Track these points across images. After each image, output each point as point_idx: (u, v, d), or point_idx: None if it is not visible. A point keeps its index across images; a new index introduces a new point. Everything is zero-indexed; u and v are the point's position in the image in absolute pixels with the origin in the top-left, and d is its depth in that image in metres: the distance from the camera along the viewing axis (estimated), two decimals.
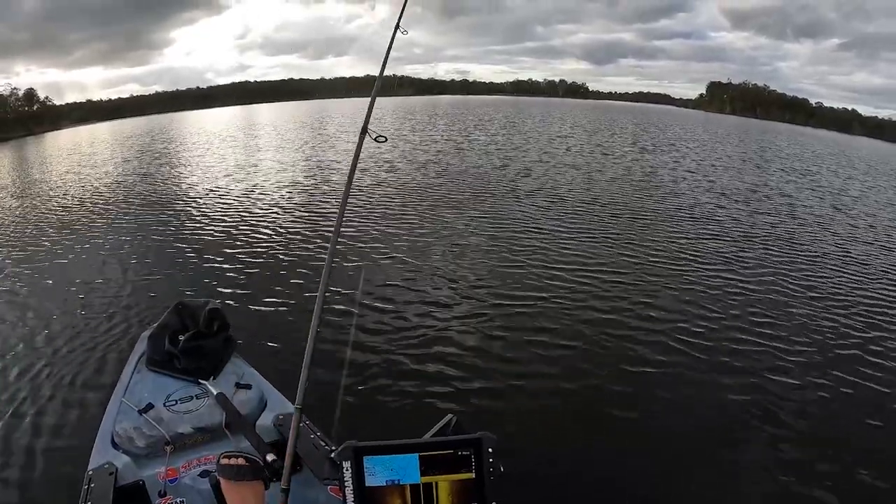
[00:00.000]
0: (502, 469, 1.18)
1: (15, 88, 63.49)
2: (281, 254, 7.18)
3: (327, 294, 5.50)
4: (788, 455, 3.40)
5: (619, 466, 3.27)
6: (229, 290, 5.92)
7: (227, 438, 2.27)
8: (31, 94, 64.70)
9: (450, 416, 1.72)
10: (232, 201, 10.56)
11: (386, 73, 2.81)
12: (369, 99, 2.50)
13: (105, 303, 5.67)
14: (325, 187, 11.81)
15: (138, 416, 2.24)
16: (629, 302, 5.67)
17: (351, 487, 1.17)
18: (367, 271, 6.46)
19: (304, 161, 15.98)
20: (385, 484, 1.18)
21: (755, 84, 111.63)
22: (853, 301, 6.00)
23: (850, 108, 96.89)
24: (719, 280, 6.47)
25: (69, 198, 11.76)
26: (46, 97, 67.34)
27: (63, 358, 4.47)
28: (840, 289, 6.41)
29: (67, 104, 74.59)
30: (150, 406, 2.27)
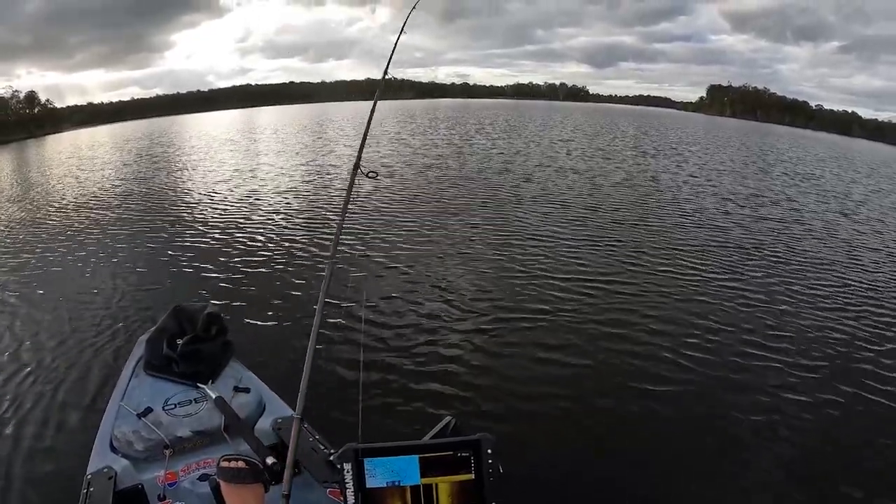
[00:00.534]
0: (501, 470, 1.19)
1: (16, 91, 63.60)
2: (279, 258, 7.18)
3: (326, 300, 5.51)
4: (792, 465, 3.35)
5: (618, 469, 3.27)
6: (228, 294, 5.91)
7: (226, 442, 2.28)
8: (32, 97, 64.78)
9: (449, 417, 1.73)
10: (231, 206, 10.56)
11: (386, 76, 2.85)
12: (370, 102, 2.56)
13: (103, 307, 5.66)
14: (324, 193, 11.81)
15: (137, 419, 2.24)
16: (630, 308, 5.65)
17: (352, 489, 1.18)
18: (368, 276, 6.46)
19: (303, 166, 15.95)
20: (385, 485, 1.19)
21: (755, 87, 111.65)
22: (862, 311, 5.86)
23: (850, 111, 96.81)
24: (723, 287, 6.37)
25: (68, 202, 11.78)
26: (47, 100, 67.40)
27: (61, 362, 4.47)
28: (849, 298, 6.26)
29: (68, 107, 74.62)
30: (148, 410, 2.27)
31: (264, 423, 2.36)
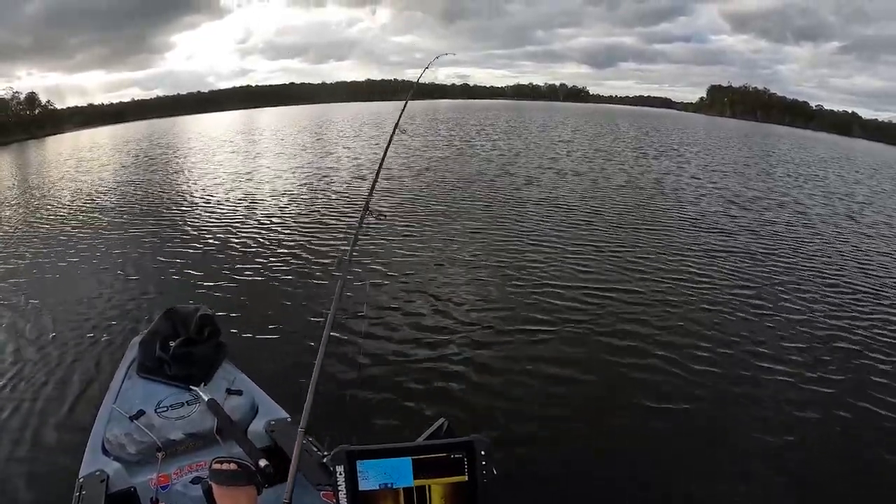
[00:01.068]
0: (495, 472, 1.18)
1: (17, 92, 63.65)
2: (274, 261, 7.19)
3: (325, 310, 5.51)
4: (799, 477, 3.30)
5: (612, 473, 3.27)
6: (221, 296, 5.93)
7: (219, 444, 2.27)
8: (32, 98, 64.83)
9: (442, 419, 1.71)
10: (227, 209, 10.56)
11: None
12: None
13: (96, 309, 5.66)
14: (322, 198, 11.77)
15: (129, 422, 2.23)
16: (631, 313, 5.61)
17: (344, 492, 1.17)
18: (365, 280, 6.43)
19: (299, 168, 15.89)
20: (378, 488, 1.18)
21: (755, 87, 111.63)
22: (875, 319, 5.71)
23: (850, 111, 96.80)
24: (728, 292, 6.26)
25: (65, 204, 11.79)
26: (48, 101, 67.45)
27: (54, 364, 4.47)
28: (861, 306, 6.10)
29: (69, 108, 74.64)
30: (141, 412, 2.27)
31: (257, 426, 2.35)
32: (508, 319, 5.39)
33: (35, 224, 9.93)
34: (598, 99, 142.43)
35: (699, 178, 15.11)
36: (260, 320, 5.29)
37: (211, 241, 8.25)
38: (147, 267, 7.09)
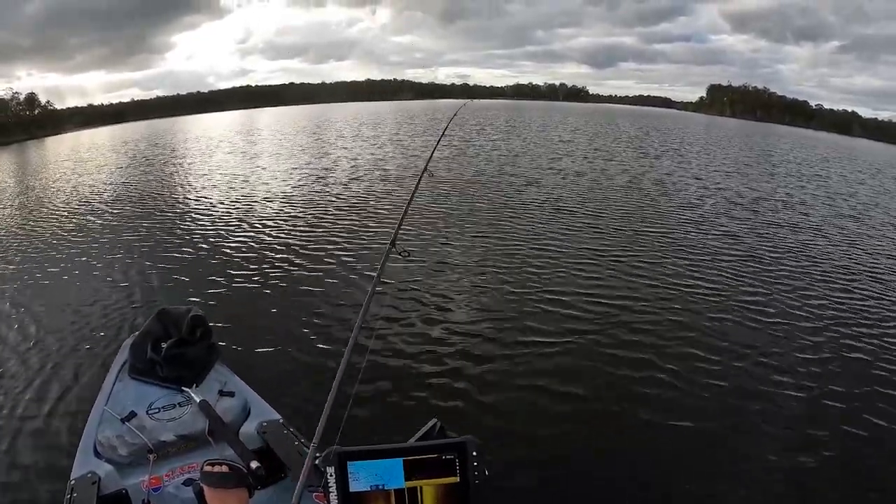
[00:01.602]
0: (487, 473, 1.17)
1: (16, 93, 63.72)
2: (267, 263, 7.17)
3: (320, 310, 5.52)
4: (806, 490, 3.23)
5: (609, 474, 3.27)
6: (214, 298, 5.91)
7: (211, 446, 2.26)
8: (32, 99, 64.86)
9: (434, 420, 1.71)
10: (221, 210, 10.53)
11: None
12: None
13: (88, 311, 5.64)
14: (312, 198, 11.76)
15: (121, 424, 2.22)
16: (630, 316, 5.55)
17: (335, 493, 1.16)
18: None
19: (296, 170, 15.74)
20: (369, 489, 1.17)
21: (755, 87, 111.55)
22: (886, 326, 5.55)
23: (850, 110, 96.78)
24: (734, 298, 6.09)
25: (58, 205, 11.78)
26: (48, 101, 67.49)
27: (45, 366, 4.45)
28: (875, 313, 5.89)
29: (68, 108, 74.76)
30: (132, 414, 2.26)
31: (249, 427, 2.35)
32: (505, 321, 5.37)
33: (29, 226, 9.92)
34: (598, 99, 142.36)
35: (701, 179, 14.87)
36: (252, 322, 5.28)
37: (204, 242, 8.23)
38: (139, 268, 7.06)
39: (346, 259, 7.25)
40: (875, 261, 8.06)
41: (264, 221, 9.49)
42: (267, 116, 54.89)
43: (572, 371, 4.43)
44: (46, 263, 7.43)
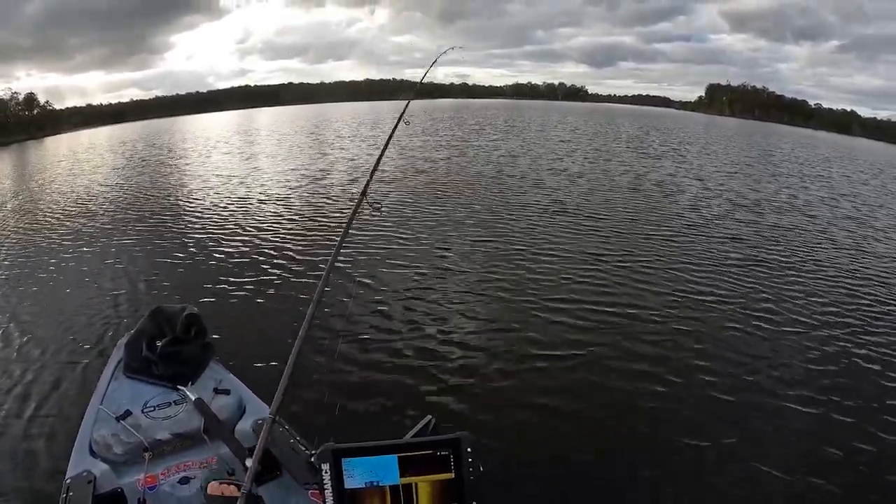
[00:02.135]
0: (482, 469, 1.18)
1: (15, 93, 63.61)
2: (263, 261, 7.18)
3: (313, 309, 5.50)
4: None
5: (602, 472, 3.27)
6: (210, 295, 5.92)
7: (206, 444, 2.26)
8: (31, 99, 64.75)
9: (429, 417, 1.71)
10: (216, 209, 10.55)
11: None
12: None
13: (82, 310, 5.64)
14: (317, 198, 11.78)
15: (116, 423, 2.22)
16: (629, 315, 5.52)
17: (330, 490, 1.17)
18: (354, 276, 6.43)
19: (292, 170, 15.76)
20: (364, 486, 1.18)
21: (754, 86, 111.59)
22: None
23: (849, 110, 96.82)
24: (738, 306, 5.84)
25: (54, 206, 11.77)
26: (47, 101, 67.37)
27: (40, 365, 4.45)
28: (882, 320, 5.72)
29: (68, 108, 74.69)
30: (127, 413, 2.26)
31: (244, 425, 2.34)
32: (500, 319, 5.38)
33: (25, 225, 9.93)
34: (597, 98, 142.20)
35: (703, 180, 14.62)
36: (247, 320, 5.30)
37: (198, 242, 8.23)
38: (132, 268, 7.07)
39: (340, 257, 7.21)
40: (883, 265, 7.85)
41: (258, 222, 9.49)
42: (265, 116, 54.90)
43: (571, 368, 4.44)
44: (41, 263, 7.43)
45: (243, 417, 2.39)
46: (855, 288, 6.69)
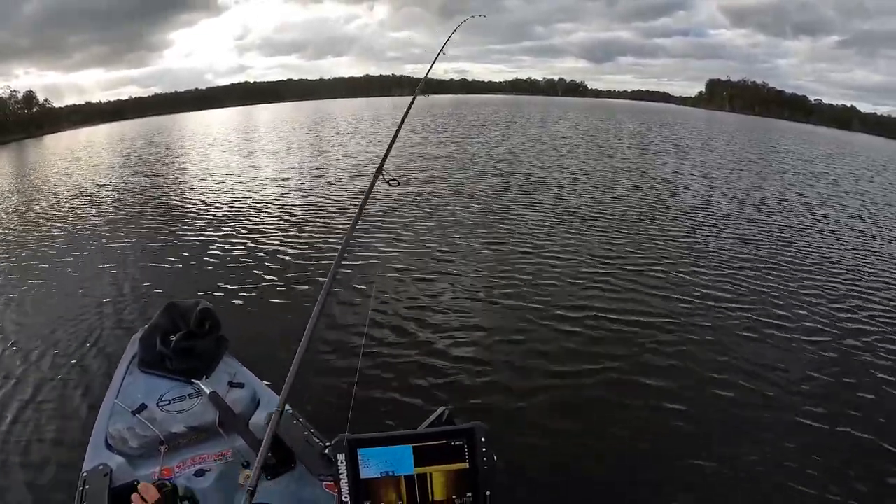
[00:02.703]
0: (496, 459, 1.18)
1: (14, 91, 63.54)
2: (274, 255, 7.18)
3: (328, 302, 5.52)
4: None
5: (613, 462, 3.29)
6: (223, 290, 5.93)
7: (221, 437, 2.28)
8: (30, 97, 64.72)
9: (443, 407, 1.72)
10: (225, 204, 10.54)
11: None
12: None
13: (97, 306, 5.65)
14: (323, 193, 11.75)
15: (132, 416, 2.24)
16: (640, 311, 5.46)
17: (346, 480, 1.17)
18: (372, 269, 6.44)
19: (297, 166, 15.71)
20: (380, 476, 1.18)
21: (754, 81, 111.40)
22: None
23: (849, 105, 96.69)
24: (747, 309, 5.60)
25: (63, 201, 11.78)
26: (45, 100, 67.37)
27: (56, 361, 4.47)
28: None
29: (66, 107, 74.62)
30: (143, 407, 2.27)
31: (259, 418, 2.36)
32: (514, 311, 5.39)
33: (33, 222, 9.92)
34: (597, 93, 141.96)
35: (709, 178, 14.33)
36: (259, 314, 5.31)
37: (211, 236, 8.24)
38: (146, 263, 7.08)
39: (353, 248, 7.29)
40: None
41: (268, 216, 9.49)
42: (266, 113, 54.72)
43: (588, 362, 4.42)
44: (54, 260, 7.44)
45: (258, 410, 2.40)
46: (870, 293, 6.34)
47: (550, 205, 10.27)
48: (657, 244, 7.87)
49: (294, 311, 5.32)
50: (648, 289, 6.07)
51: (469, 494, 1.20)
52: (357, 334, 4.67)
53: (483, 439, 1.20)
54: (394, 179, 2.24)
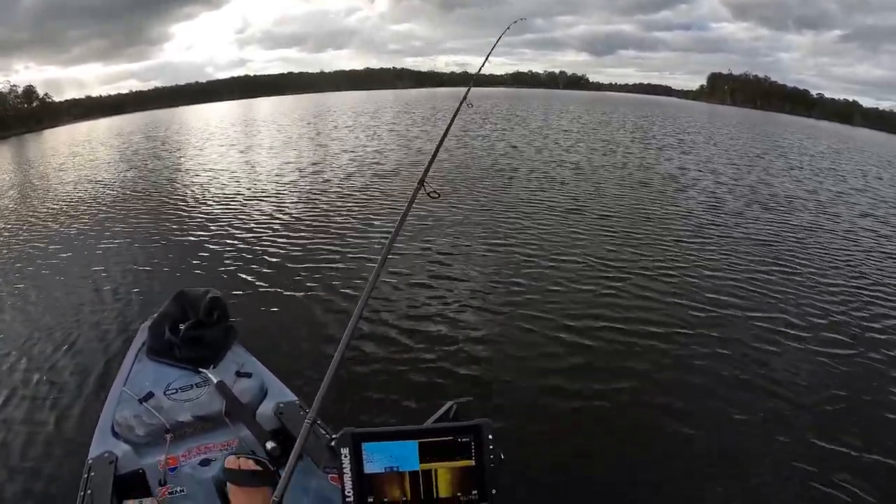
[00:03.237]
0: (503, 456, 1.17)
1: (14, 86, 63.49)
2: (286, 246, 7.17)
3: (334, 293, 5.54)
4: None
5: (619, 461, 3.28)
6: (232, 280, 5.95)
7: (228, 427, 2.27)
8: (29, 92, 64.66)
9: (450, 403, 1.70)
10: (235, 196, 10.51)
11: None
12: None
13: (106, 293, 5.69)
14: (328, 184, 11.73)
15: (138, 404, 2.24)
16: (652, 309, 5.39)
17: (349, 474, 1.16)
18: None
19: (295, 161, 15.38)
20: (384, 471, 1.17)
21: (755, 75, 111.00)
22: None
23: (851, 100, 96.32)
24: (760, 313, 5.39)
25: (69, 192, 11.79)
26: (45, 94, 67.33)
27: (65, 348, 4.50)
28: None
29: (66, 101, 74.61)
30: (150, 395, 2.27)
31: (266, 408, 2.36)
32: (524, 309, 5.33)
33: (38, 212, 9.94)
34: (598, 87, 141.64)
35: (714, 174, 13.95)
36: (269, 304, 5.31)
37: (221, 225, 8.26)
38: (156, 252, 7.10)
39: (357, 239, 7.32)
40: None
41: (278, 205, 9.52)
42: (267, 106, 54.53)
43: (597, 363, 4.39)
44: (61, 249, 7.45)
45: (265, 400, 2.40)
46: (892, 300, 6.00)
47: (552, 209, 9.75)
48: (665, 244, 7.70)
49: (304, 299, 5.35)
50: (655, 292, 5.93)
51: (475, 492, 1.19)
52: (366, 327, 4.66)
53: (490, 436, 1.18)
54: (434, 192, 2.17)
